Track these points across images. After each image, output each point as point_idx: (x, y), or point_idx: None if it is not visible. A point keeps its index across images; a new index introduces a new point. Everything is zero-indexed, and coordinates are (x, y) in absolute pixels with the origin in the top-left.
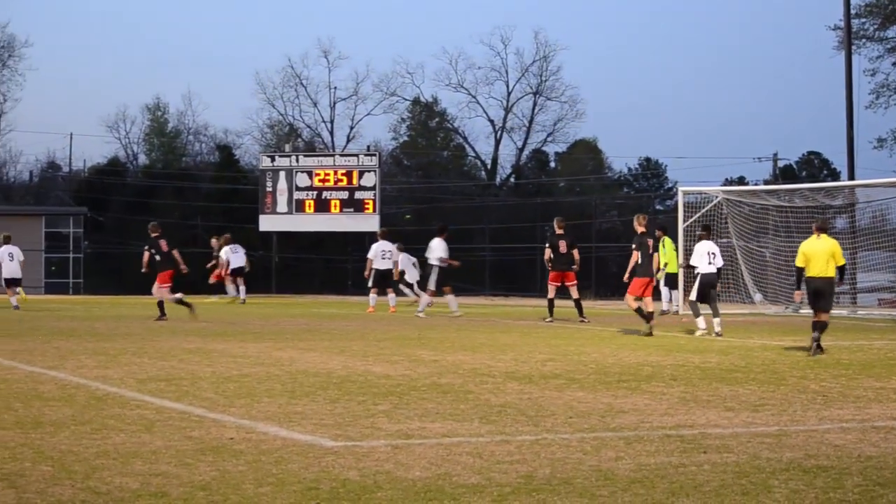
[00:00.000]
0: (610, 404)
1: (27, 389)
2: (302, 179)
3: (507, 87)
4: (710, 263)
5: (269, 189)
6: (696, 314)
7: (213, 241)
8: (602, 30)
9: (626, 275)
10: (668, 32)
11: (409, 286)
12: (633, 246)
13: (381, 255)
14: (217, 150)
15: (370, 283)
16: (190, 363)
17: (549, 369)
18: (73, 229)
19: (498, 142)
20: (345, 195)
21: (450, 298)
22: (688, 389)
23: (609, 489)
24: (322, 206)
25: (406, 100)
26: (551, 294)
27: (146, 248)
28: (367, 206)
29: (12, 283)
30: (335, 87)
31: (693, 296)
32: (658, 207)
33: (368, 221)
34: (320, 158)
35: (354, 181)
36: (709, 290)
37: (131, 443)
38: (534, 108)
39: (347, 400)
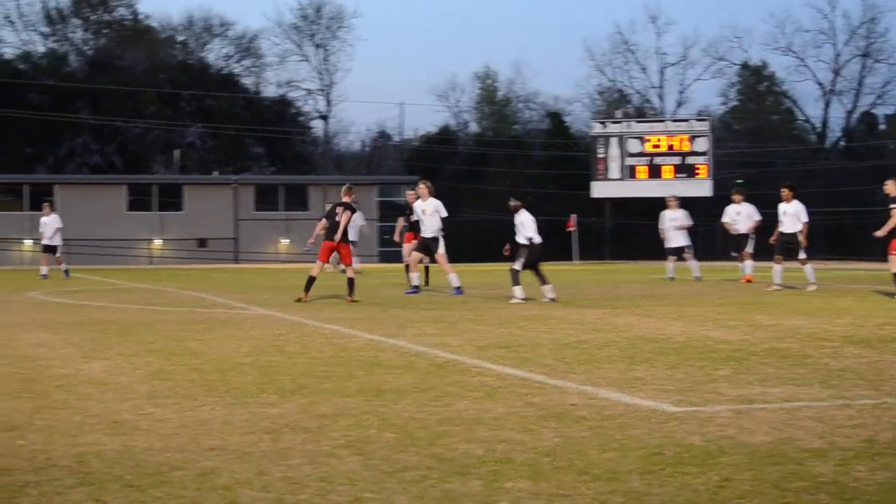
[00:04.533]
0: None
1: (368, 357)
2: (633, 145)
3: (835, 49)
4: None
5: (601, 155)
6: None
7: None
8: None
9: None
10: None
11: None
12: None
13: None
14: (547, 117)
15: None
16: (528, 330)
17: (887, 333)
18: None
19: (827, 105)
20: (677, 160)
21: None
22: None
23: None
24: (654, 171)
25: (735, 64)
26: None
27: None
28: (699, 171)
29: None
30: (664, 53)
31: None
32: None
33: (701, 186)
34: (652, 124)
35: (686, 147)
36: None
37: (474, 409)
38: (862, 71)
39: (687, 365)
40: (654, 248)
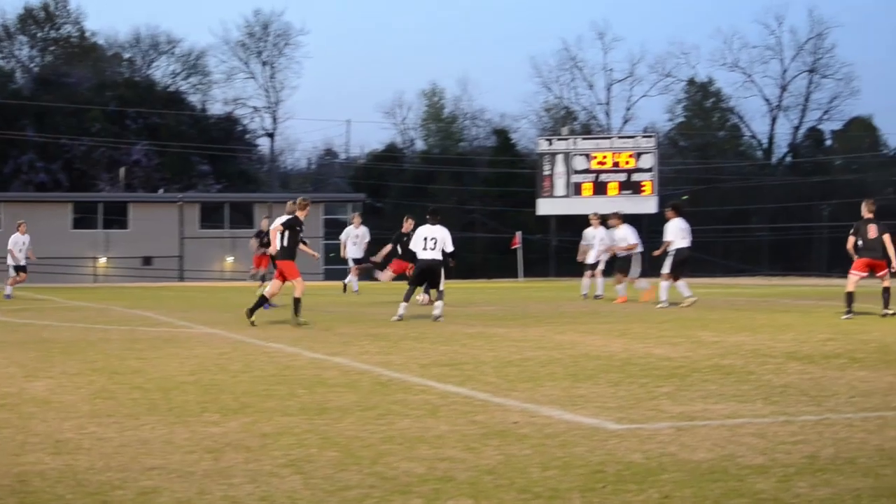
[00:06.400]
0: (892, 383)
1: (311, 376)
2: (579, 162)
3: (782, 65)
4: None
5: (547, 173)
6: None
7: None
8: (875, 5)
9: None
10: None
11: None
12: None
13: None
14: (494, 134)
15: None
16: (472, 347)
17: (830, 349)
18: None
19: (773, 121)
20: (623, 177)
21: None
22: None
23: (893, 468)
24: (599, 188)
25: (681, 80)
26: (850, 286)
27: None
28: (644, 187)
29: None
30: (611, 69)
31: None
32: None
33: (647, 203)
34: (598, 141)
35: (632, 163)
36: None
37: (416, 428)
38: (809, 87)
39: (630, 382)
40: None
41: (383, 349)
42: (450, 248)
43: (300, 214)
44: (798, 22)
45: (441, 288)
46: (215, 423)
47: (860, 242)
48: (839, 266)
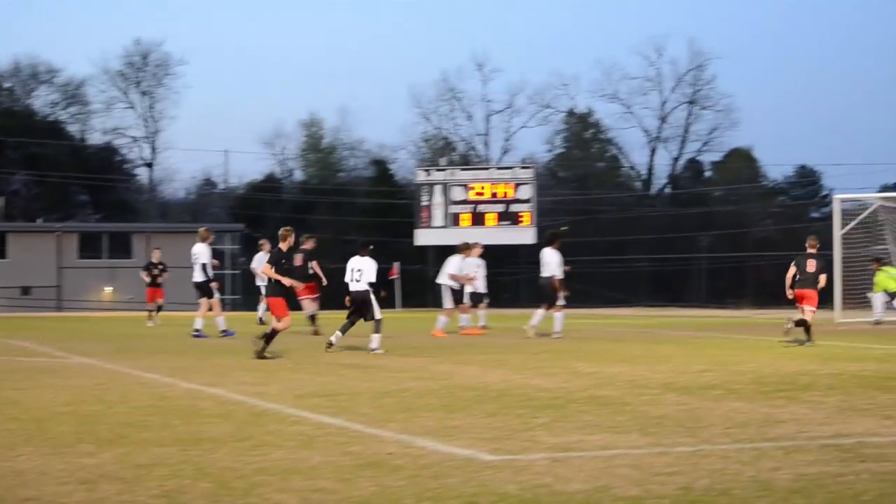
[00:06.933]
0: (768, 414)
1: (186, 406)
2: (458, 193)
3: (662, 96)
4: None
5: (425, 203)
6: None
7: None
8: (756, 37)
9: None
10: (824, 38)
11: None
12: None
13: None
14: (372, 164)
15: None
16: (348, 378)
17: (706, 380)
18: (229, 246)
19: (653, 152)
20: (501, 208)
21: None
22: (845, 398)
23: (768, 500)
24: (478, 219)
25: (561, 111)
26: (809, 318)
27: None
28: (523, 218)
29: None
30: (490, 100)
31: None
32: (814, 215)
33: (525, 234)
34: (476, 172)
35: (511, 194)
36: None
37: (290, 459)
38: (688, 118)
39: (506, 413)
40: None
41: (259, 380)
42: (370, 279)
43: (283, 246)
44: (678, 53)
45: (377, 317)
46: (90, 454)
47: (798, 276)
48: (717, 297)
